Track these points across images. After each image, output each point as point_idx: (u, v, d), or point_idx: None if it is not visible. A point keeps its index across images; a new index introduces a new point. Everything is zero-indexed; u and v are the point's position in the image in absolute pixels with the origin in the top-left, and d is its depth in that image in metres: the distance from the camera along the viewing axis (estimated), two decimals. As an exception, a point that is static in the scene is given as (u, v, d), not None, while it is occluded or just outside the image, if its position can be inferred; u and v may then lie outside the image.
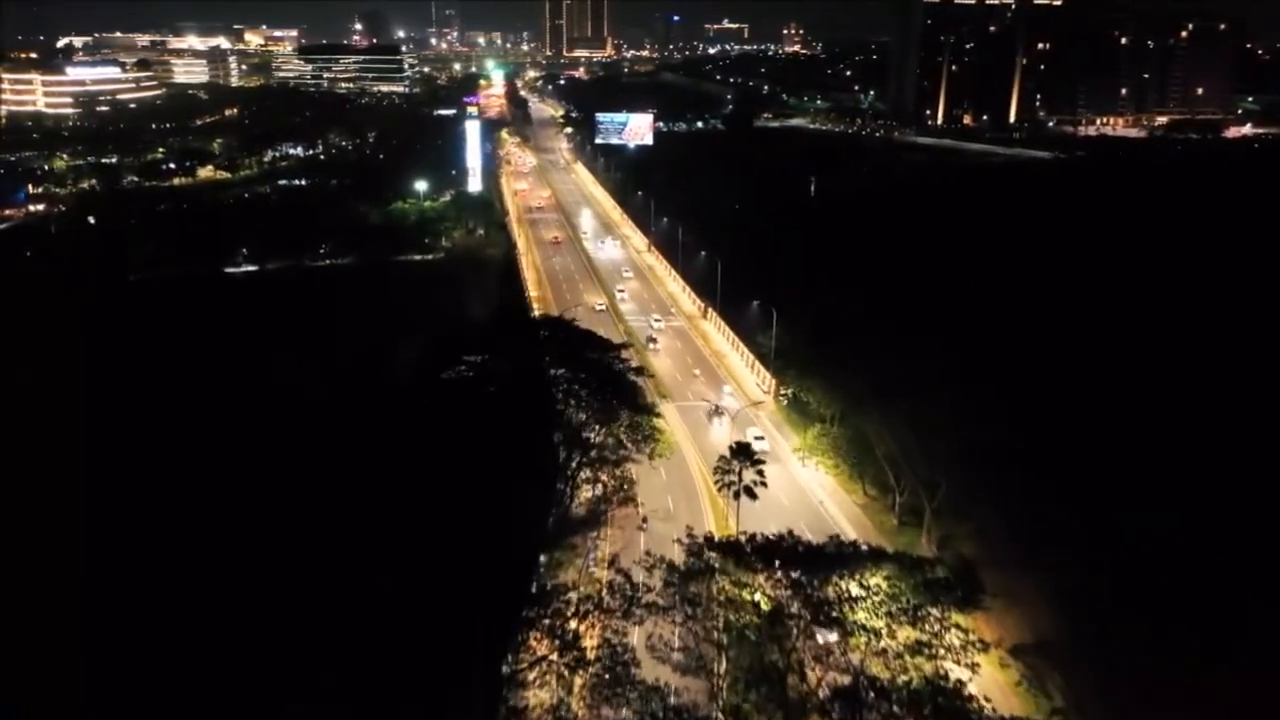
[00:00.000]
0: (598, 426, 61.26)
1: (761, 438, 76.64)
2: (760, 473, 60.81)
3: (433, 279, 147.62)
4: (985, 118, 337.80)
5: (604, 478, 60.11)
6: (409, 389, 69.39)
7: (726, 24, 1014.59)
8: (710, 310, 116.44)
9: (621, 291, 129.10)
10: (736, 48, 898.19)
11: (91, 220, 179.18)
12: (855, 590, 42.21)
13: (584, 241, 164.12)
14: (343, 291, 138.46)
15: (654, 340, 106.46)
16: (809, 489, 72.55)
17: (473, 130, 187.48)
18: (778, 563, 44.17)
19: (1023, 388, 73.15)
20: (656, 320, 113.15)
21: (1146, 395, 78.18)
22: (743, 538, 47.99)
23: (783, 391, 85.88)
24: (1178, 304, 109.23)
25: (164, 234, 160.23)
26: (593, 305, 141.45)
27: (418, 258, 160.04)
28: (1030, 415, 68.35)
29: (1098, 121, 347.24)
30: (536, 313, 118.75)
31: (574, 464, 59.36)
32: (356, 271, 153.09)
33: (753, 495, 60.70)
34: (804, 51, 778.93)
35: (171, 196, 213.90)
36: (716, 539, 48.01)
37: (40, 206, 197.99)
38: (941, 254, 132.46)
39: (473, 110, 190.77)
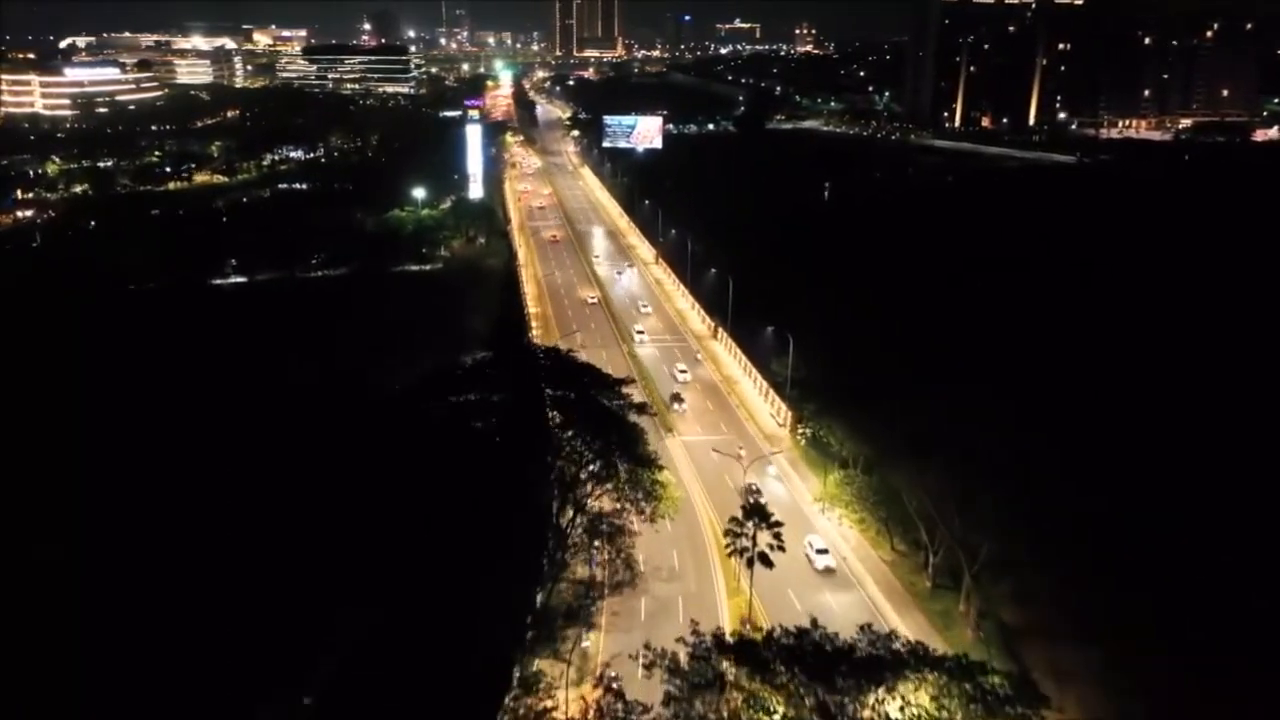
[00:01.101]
0: (593, 486, 53.70)
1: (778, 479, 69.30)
2: (777, 535, 53.37)
3: (429, 291, 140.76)
4: (1005, 120, 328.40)
5: (601, 555, 52.51)
6: (387, 431, 61.85)
7: (738, 24, 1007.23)
8: (720, 330, 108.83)
9: (641, 333, 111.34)
10: (748, 48, 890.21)
11: (70, 232, 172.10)
12: (895, 716, 34.68)
13: (596, 265, 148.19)
14: (333, 305, 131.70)
15: (680, 400, 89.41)
16: (831, 542, 65.01)
17: (474, 135, 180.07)
18: (801, 673, 36.69)
19: (1076, 438, 64.91)
20: (682, 371, 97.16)
21: (1223, 445, 69.79)
22: (759, 634, 40.54)
23: (801, 430, 78.10)
24: (1228, 320, 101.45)
25: (150, 242, 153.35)
26: (585, 299, 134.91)
27: (415, 268, 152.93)
28: (1082, 471, 60.30)
29: (1119, 124, 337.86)
30: (535, 328, 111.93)
31: (564, 536, 51.75)
32: (350, 283, 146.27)
33: (768, 563, 53.24)
34: (816, 51, 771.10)
35: (165, 201, 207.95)
36: (728, 636, 40.51)
37: (29, 212, 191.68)
38: (971, 272, 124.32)
39: (474, 114, 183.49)
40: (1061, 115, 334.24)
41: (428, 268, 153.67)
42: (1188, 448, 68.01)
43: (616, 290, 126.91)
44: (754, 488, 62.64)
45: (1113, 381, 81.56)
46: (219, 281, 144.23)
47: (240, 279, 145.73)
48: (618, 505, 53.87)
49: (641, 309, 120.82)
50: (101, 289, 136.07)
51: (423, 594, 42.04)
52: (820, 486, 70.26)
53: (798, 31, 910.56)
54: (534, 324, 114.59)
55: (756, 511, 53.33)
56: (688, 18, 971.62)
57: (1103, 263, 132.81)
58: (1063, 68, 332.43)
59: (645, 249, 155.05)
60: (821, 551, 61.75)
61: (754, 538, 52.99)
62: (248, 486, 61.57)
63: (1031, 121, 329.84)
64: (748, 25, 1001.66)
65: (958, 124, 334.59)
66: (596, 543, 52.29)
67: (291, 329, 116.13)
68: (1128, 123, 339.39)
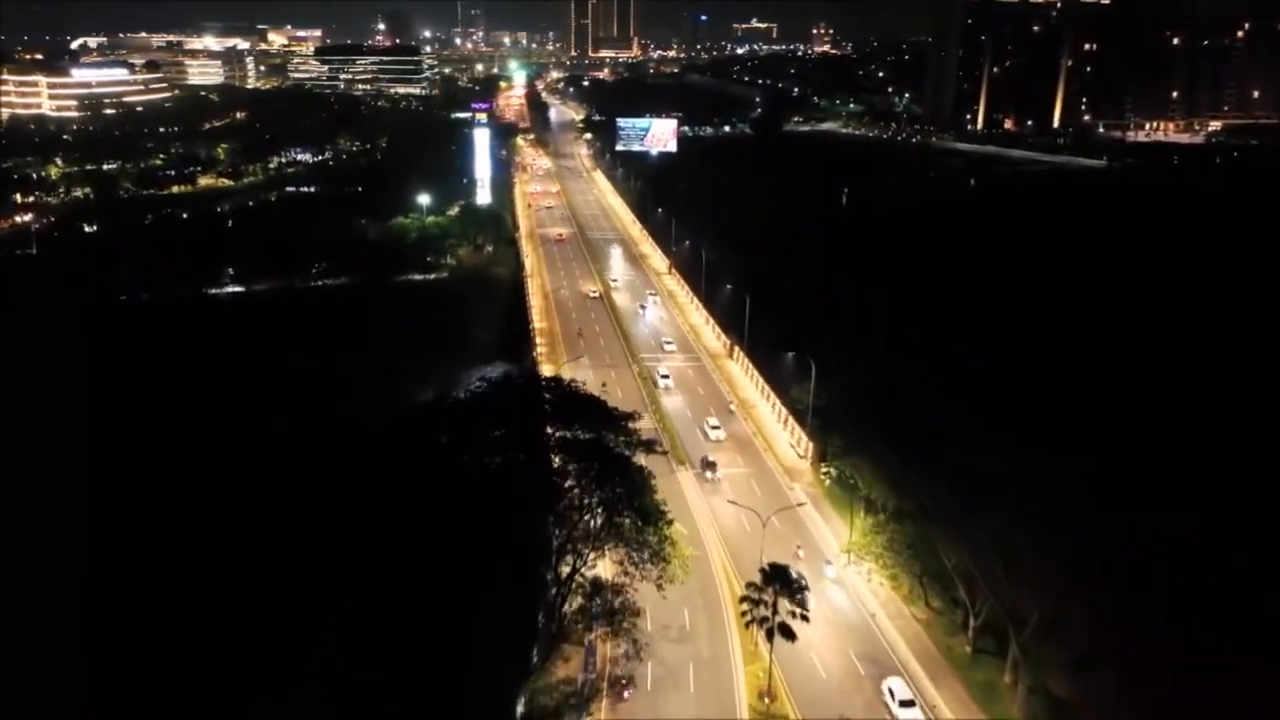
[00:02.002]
0: (592, 551, 47.61)
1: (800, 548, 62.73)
2: (801, 602, 47.17)
3: (432, 303, 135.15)
4: (1029, 123, 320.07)
5: (602, 648, 46.19)
6: (363, 479, 55.68)
7: (755, 23, 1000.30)
8: (736, 349, 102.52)
9: (666, 378, 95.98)
10: (765, 48, 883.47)
11: (66, 238, 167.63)
12: None
13: (613, 293, 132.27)
14: (332, 317, 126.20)
15: (712, 468, 75.24)
16: (857, 596, 58.77)
17: (482, 139, 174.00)
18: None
19: (1129, 485, 58.14)
20: (714, 428, 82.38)
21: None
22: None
23: (825, 469, 71.66)
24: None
25: (147, 249, 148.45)
26: (586, 292, 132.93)
27: (418, 277, 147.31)
28: (1144, 528, 53.68)
29: (1146, 126, 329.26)
30: (540, 344, 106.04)
31: (557, 614, 45.53)
32: (351, 294, 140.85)
33: (790, 636, 47.00)
34: (834, 52, 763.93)
35: (168, 205, 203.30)
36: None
37: (28, 216, 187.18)
38: (1001, 288, 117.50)
39: (481, 117, 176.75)
40: (1086, 117, 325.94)
41: (432, 277, 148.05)
42: (1242, 471, 61.53)
43: (640, 328, 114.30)
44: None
45: (1163, 412, 74.79)
46: (215, 291, 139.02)
47: (238, 289, 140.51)
48: (622, 569, 47.78)
49: (666, 346, 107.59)
50: (92, 301, 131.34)
51: (386, 692, 35.95)
52: (845, 528, 63.96)
53: (815, 31, 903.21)
54: (539, 340, 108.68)
55: (778, 575, 47.15)
56: (704, 17, 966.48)
57: (1144, 277, 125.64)
58: (1088, 68, 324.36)
59: (658, 258, 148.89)
60: (906, 704, 49.53)
61: (774, 604, 46.83)
62: (199, 533, 55.90)
63: (1056, 124, 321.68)
64: (764, 25, 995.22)
65: (980, 126, 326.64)
66: (595, 631, 45.97)
67: (285, 344, 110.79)
68: (1155, 125, 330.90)
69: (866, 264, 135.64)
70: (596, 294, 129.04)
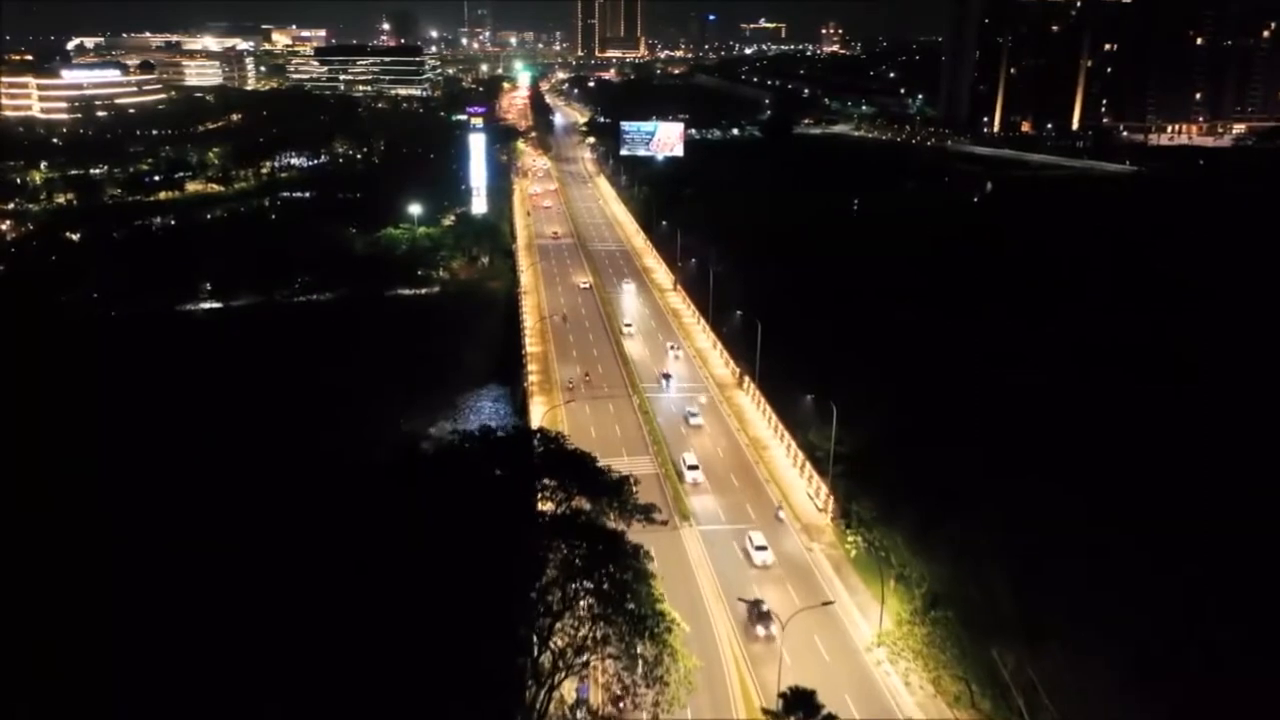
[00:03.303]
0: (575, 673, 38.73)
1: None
2: (829, 732, 38.12)
3: (420, 319, 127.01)
4: (1049, 126, 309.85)
5: None
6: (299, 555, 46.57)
7: (763, 23, 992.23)
8: (747, 379, 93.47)
9: (694, 470, 74.54)
10: (773, 48, 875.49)
11: (39, 248, 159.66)
12: None
13: (625, 338, 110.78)
14: (311, 335, 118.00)
15: (763, 625, 53.96)
16: (886, 691, 49.54)
17: (478, 145, 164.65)
18: None
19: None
20: (760, 549, 62.16)
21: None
22: None
23: (851, 538, 62.52)
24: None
25: (119, 261, 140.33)
26: (578, 284, 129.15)
27: (407, 292, 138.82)
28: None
29: (1169, 129, 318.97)
30: (533, 371, 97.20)
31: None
32: (335, 309, 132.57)
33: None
34: (843, 52, 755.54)
35: (155, 212, 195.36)
36: None
37: (6, 224, 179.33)
38: (1038, 311, 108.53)
39: (477, 122, 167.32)
40: (1105, 119, 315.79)
41: (422, 291, 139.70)
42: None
43: (663, 402, 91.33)
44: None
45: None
46: (190, 308, 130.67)
47: (214, 305, 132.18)
48: (609, 695, 38.87)
49: (691, 420, 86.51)
50: (59, 316, 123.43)
51: None
52: (874, 600, 54.83)
53: (824, 31, 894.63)
54: (532, 366, 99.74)
55: (801, 702, 38.16)
56: (712, 17, 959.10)
57: (1205, 298, 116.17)
58: (1109, 69, 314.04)
59: (663, 273, 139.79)
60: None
61: (797, 738, 37.83)
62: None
63: (1075, 126, 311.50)
64: (773, 25, 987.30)
65: (996, 129, 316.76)
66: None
67: (260, 366, 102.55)
68: (1177, 128, 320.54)
69: (885, 277, 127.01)
70: (587, 285, 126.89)
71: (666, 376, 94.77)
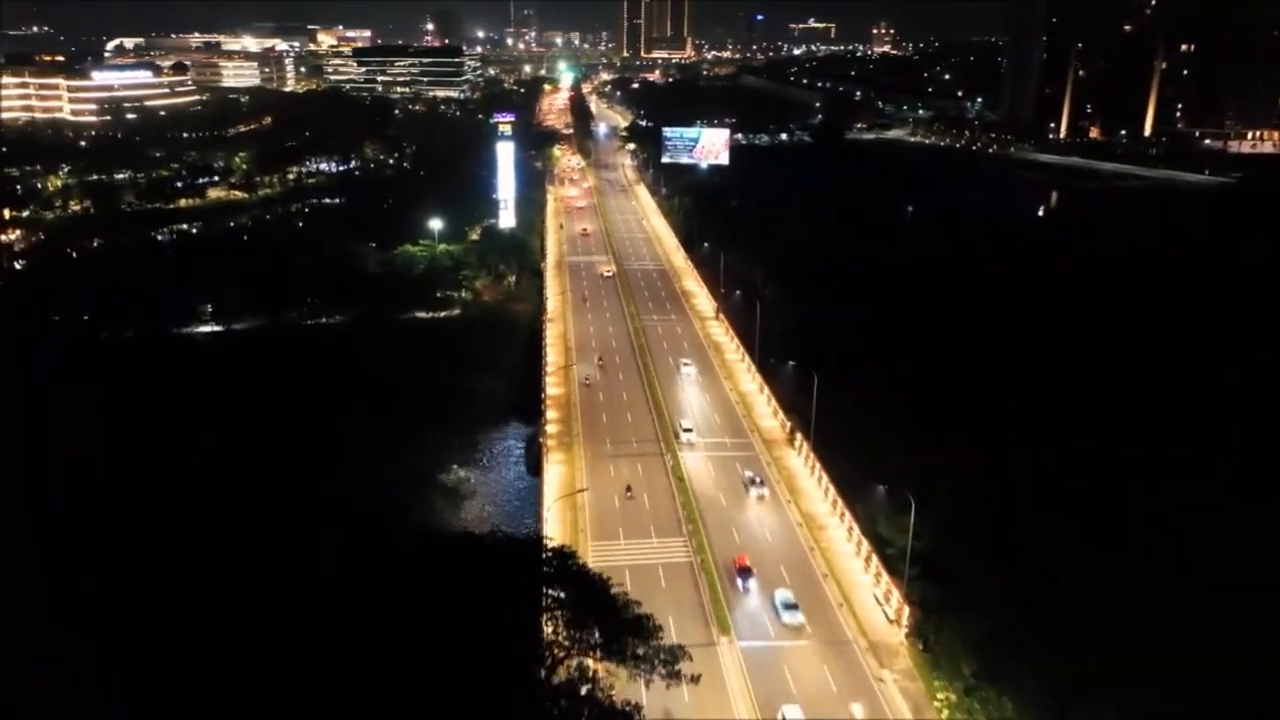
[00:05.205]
0: None
1: None
2: None
3: (435, 346, 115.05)
4: (1122, 132, 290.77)
5: None
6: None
7: (812, 23, 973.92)
8: (800, 436, 79.98)
9: (747, 576, 60.22)
10: (823, 48, 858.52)
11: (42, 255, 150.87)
12: None
13: (682, 452, 79.75)
14: (322, 361, 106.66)
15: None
16: None
17: (506, 154, 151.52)
18: None
19: None
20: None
21: None
22: None
23: (941, 697, 48.72)
24: None
25: (119, 277, 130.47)
26: (601, 273, 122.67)
27: (425, 315, 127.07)
28: None
29: (1249, 135, 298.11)
30: (552, 418, 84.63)
31: None
32: (346, 334, 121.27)
33: None
34: (895, 52, 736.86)
35: (174, 220, 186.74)
36: None
37: (13, 235, 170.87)
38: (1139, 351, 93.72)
39: (506, 129, 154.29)
40: (1180, 125, 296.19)
41: (441, 314, 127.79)
42: None
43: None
44: None
45: None
46: (187, 331, 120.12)
47: (215, 328, 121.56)
48: None
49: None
50: (43, 339, 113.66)
51: None
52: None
53: (875, 31, 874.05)
54: (551, 413, 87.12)
55: None
56: (760, 17, 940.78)
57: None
58: (1184, 72, 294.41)
59: (704, 299, 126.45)
60: None
61: None
62: None
63: (1148, 132, 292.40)
64: (822, 25, 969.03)
65: (1064, 135, 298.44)
66: None
67: (260, 398, 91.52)
68: (1259, 134, 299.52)
69: (955, 305, 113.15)
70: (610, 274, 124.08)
71: (744, 571, 60.96)
